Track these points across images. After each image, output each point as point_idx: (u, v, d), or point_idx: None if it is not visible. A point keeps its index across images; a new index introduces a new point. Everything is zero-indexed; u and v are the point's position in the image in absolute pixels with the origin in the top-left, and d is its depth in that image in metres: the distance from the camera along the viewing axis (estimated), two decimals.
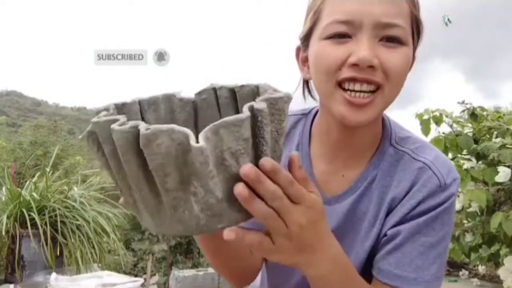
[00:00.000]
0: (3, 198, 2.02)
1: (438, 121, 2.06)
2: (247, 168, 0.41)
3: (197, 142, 0.37)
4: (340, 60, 0.60)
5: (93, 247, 2.00)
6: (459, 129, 2.10)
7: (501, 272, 1.95)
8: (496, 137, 1.99)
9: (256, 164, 0.42)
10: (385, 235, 0.67)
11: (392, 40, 0.60)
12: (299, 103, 0.78)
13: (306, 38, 0.68)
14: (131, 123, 0.38)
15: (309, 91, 0.76)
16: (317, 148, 0.74)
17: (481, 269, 4.23)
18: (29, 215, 1.83)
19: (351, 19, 0.60)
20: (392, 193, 0.68)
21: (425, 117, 2.06)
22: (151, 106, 0.53)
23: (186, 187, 0.40)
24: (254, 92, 0.52)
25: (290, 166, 0.47)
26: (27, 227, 1.78)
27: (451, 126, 2.11)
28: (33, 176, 2.32)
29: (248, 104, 0.41)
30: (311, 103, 0.77)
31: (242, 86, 0.53)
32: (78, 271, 1.85)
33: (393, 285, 0.63)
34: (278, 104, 0.43)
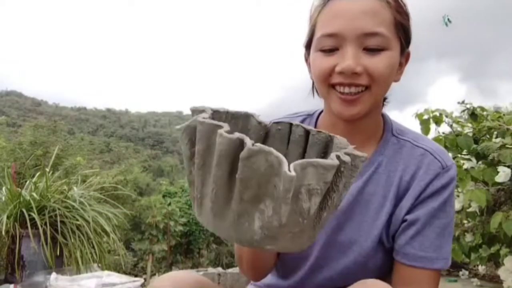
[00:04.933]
0: (3, 198, 2.02)
1: (438, 121, 2.06)
2: None
3: (289, 170, 0.41)
4: (329, 69, 0.71)
5: (93, 247, 2.00)
6: (459, 129, 2.10)
7: (501, 272, 1.95)
8: (496, 137, 1.99)
9: (322, 203, 0.46)
10: (404, 220, 0.74)
11: (374, 48, 0.70)
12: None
13: (307, 47, 0.79)
14: (238, 134, 0.43)
15: (316, 90, 0.85)
16: None
17: (481, 269, 4.23)
18: (29, 215, 1.83)
19: (336, 32, 0.70)
20: (398, 176, 0.76)
21: (425, 117, 2.06)
22: (233, 119, 0.58)
23: (257, 203, 0.44)
24: (328, 140, 0.58)
25: None
26: (27, 227, 1.78)
27: (451, 126, 2.11)
28: (33, 176, 2.32)
29: (336, 153, 0.45)
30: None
31: (319, 132, 0.60)
32: (78, 271, 1.85)
33: (419, 266, 0.72)
34: (356, 161, 0.48)
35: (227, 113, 0.57)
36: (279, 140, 0.61)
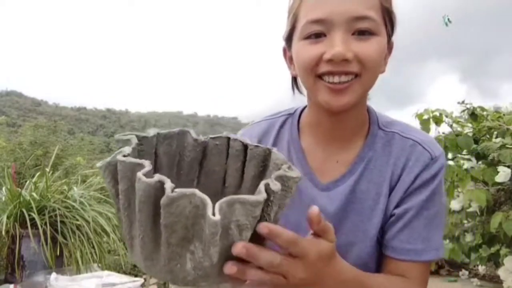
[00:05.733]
0: (3, 198, 2.01)
1: (438, 121, 2.06)
2: (238, 249, 0.43)
3: (213, 212, 0.39)
4: (317, 58, 0.66)
5: (93, 247, 2.00)
6: (459, 129, 2.10)
7: (501, 272, 1.95)
8: (496, 137, 1.99)
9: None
10: (392, 214, 0.73)
11: (364, 32, 0.66)
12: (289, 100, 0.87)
13: (288, 39, 0.75)
14: (158, 177, 0.40)
15: (297, 87, 0.82)
16: (308, 139, 0.80)
17: (481, 269, 4.23)
18: (29, 215, 1.83)
19: (324, 18, 0.65)
20: (390, 170, 0.74)
21: (425, 117, 2.06)
22: (166, 139, 0.55)
23: (186, 244, 0.42)
24: (266, 154, 0.56)
25: (310, 222, 0.50)
26: (27, 227, 1.78)
27: (451, 126, 2.11)
28: (33, 176, 2.32)
29: (265, 182, 0.43)
30: (298, 97, 0.85)
31: (256, 146, 0.57)
32: (78, 271, 1.85)
33: (407, 259, 0.70)
34: (289, 182, 0.46)
35: (158, 135, 0.54)
36: (218, 155, 0.59)
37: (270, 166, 0.55)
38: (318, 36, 0.67)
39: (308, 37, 0.68)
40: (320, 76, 0.68)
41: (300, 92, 0.81)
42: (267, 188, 0.43)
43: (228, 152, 0.59)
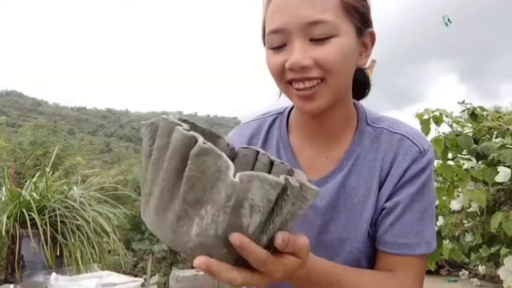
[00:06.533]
0: (3, 198, 2.02)
1: (438, 121, 2.06)
2: (235, 238, 0.43)
3: (234, 177, 0.41)
4: (280, 67, 0.69)
5: (93, 247, 2.00)
6: (459, 129, 2.10)
7: (501, 272, 1.95)
8: (496, 137, 1.99)
9: (264, 225, 0.44)
10: (383, 208, 0.73)
11: (321, 37, 0.66)
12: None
13: (264, 44, 0.76)
14: (193, 133, 0.43)
15: None
16: (297, 137, 0.81)
17: (481, 269, 4.24)
18: (29, 215, 1.83)
19: (281, 28, 0.67)
20: (379, 166, 0.75)
21: (425, 117, 2.06)
22: (205, 136, 0.56)
23: (198, 207, 0.43)
24: (289, 173, 0.58)
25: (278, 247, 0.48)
26: (27, 227, 1.78)
27: (451, 126, 2.11)
28: (33, 176, 2.32)
29: (285, 175, 0.44)
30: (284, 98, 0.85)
31: (282, 163, 0.59)
32: (78, 271, 1.85)
33: (400, 253, 0.71)
34: (307, 193, 0.46)
35: (203, 129, 0.57)
36: (244, 166, 0.60)
37: None
38: (280, 46, 0.68)
39: (272, 48, 0.70)
40: (290, 83, 0.70)
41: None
42: (287, 180, 0.44)
43: (254, 165, 0.60)
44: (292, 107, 0.85)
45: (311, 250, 0.75)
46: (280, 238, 0.49)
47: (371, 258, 0.76)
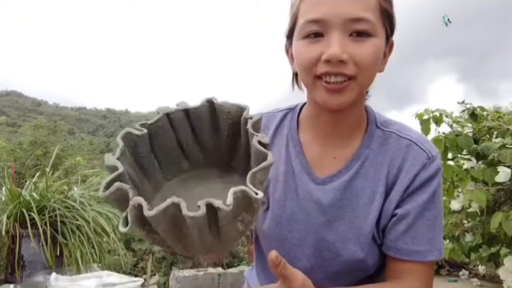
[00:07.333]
0: (3, 198, 2.02)
1: (438, 121, 2.06)
2: (273, 254, 0.56)
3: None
4: (315, 59, 0.67)
5: (93, 247, 2.00)
6: (459, 129, 2.10)
7: (501, 272, 1.95)
8: (496, 137, 1.99)
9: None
10: (394, 215, 0.73)
11: (361, 34, 0.66)
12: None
13: (289, 37, 0.76)
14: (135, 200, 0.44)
15: (297, 83, 0.83)
16: (307, 134, 0.81)
17: (481, 269, 4.23)
18: (29, 215, 1.83)
19: (321, 18, 0.66)
20: (386, 169, 0.75)
21: (425, 117, 2.06)
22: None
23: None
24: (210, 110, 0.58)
25: (270, 265, 0.57)
26: (27, 227, 1.78)
27: (451, 126, 2.11)
28: (33, 176, 2.32)
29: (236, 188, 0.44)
30: (297, 92, 0.85)
31: (196, 107, 0.58)
32: (78, 271, 1.85)
33: (412, 260, 0.72)
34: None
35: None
36: (166, 132, 0.59)
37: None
38: (316, 35, 0.68)
39: (306, 37, 0.69)
40: (318, 77, 0.69)
41: (300, 88, 0.82)
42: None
43: (172, 125, 0.59)
44: (304, 104, 0.85)
45: (314, 250, 0.76)
46: (273, 254, 0.55)
47: (377, 258, 0.76)
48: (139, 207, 0.43)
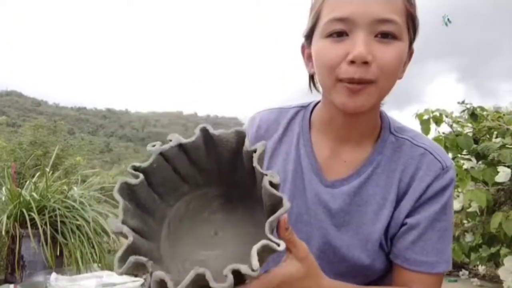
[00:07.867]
0: (3, 198, 2.02)
1: (438, 121, 2.06)
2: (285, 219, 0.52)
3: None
4: (339, 58, 0.65)
5: (93, 247, 2.00)
6: (459, 129, 2.10)
7: (501, 272, 1.95)
8: (496, 137, 1.99)
9: None
10: (403, 223, 0.72)
11: (387, 36, 0.65)
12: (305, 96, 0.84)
13: (309, 36, 0.73)
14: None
15: (314, 84, 0.81)
16: (318, 135, 0.79)
17: (481, 269, 4.23)
18: (29, 215, 1.83)
19: (347, 17, 0.64)
20: (398, 177, 0.73)
21: (425, 117, 2.06)
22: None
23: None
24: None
25: (278, 227, 0.53)
26: (27, 227, 1.78)
27: (451, 126, 2.11)
28: (33, 176, 2.32)
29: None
30: (316, 95, 0.82)
31: (192, 141, 0.56)
32: (78, 271, 1.85)
33: (420, 271, 0.70)
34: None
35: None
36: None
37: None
38: (340, 35, 0.65)
39: (329, 35, 0.66)
40: (340, 80, 0.66)
41: (318, 90, 0.80)
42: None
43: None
44: (317, 103, 0.82)
45: (319, 253, 0.74)
46: (285, 218, 0.52)
47: (385, 264, 0.75)
48: (162, 283, 0.43)
